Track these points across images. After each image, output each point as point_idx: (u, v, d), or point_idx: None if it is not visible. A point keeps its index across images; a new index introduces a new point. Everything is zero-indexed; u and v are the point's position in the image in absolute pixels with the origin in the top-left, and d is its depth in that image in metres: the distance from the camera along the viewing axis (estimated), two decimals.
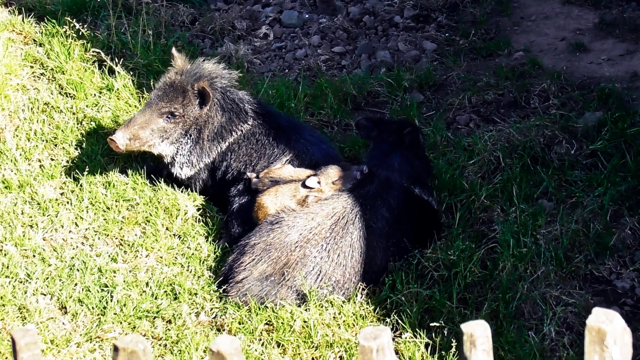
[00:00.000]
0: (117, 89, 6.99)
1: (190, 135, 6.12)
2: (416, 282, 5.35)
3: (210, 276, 5.62)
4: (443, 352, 4.95)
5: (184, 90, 6.02)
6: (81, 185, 6.19)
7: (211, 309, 5.37)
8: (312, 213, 5.50)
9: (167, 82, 6.08)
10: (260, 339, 5.11)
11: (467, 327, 3.01)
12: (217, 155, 6.15)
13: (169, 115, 6.04)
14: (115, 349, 2.98)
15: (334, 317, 5.23)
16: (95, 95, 6.98)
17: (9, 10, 7.75)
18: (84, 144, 6.54)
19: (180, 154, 6.17)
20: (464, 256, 5.43)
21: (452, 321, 5.10)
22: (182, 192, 6.20)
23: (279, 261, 5.35)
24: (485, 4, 8.69)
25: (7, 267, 5.58)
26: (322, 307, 5.28)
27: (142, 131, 6.01)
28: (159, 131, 6.05)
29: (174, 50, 6.22)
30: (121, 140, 5.96)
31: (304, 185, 5.70)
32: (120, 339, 2.99)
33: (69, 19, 7.37)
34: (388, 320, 5.21)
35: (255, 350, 5.02)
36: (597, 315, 2.94)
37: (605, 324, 2.91)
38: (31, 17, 7.67)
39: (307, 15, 8.85)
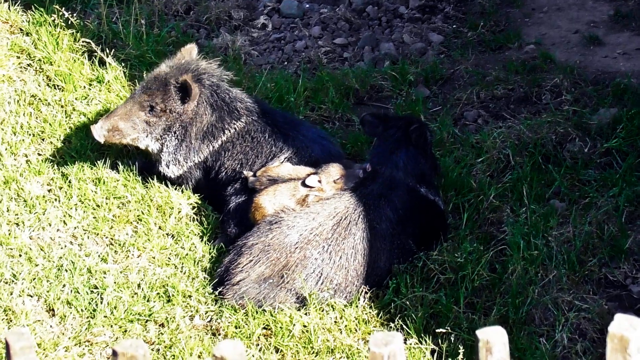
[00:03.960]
0: (108, 81, 6.96)
1: (175, 132, 6.08)
2: (421, 286, 5.33)
3: (205, 278, 5.56)
4: (450, 359, 4.93)
5: (166, 83, 6.00)
6: (70, 182, 6.13)
7: (206, 313, 5.32)
8: (312, 213, 5.45)
9: (153, 75, 6.10)
10: (258, 344, 5.08)
11: (482, 334, 2.99)
12: (210, 154, 6.09)
13: (150, 109, 6.04)
14: (114, 353, 2.98)
15: (335, 322, 5.19)
16: (84, 87, 6.94)
17: None
18: (73, 138, 6.47)
19: (166, 152, 6.13)
20: (471, 259, 5.38)
21: (459, 327, 5.07)
22: (175, 189, 6.17)
23: (278, 263, 5.30)
24: None
25: None
26: (322, 311, 5.25)
27: (122, 122, 6.02)
28: (140, 124, 6.05)
29: (189, 46, 6.23)
30: (98, 130, 6.00)
31: (303, 184, 5.65)
32: (120, 344, 2.99)
33: (57, 7, 7.33)
34: (392, 325, 5.18)
35: (253, 356, 4.99)
36: (619, 321, 2.93)
37: (628, 331, 2.89)
38: (17, 5, 7.64)
39: (307, 5, 8.90)
